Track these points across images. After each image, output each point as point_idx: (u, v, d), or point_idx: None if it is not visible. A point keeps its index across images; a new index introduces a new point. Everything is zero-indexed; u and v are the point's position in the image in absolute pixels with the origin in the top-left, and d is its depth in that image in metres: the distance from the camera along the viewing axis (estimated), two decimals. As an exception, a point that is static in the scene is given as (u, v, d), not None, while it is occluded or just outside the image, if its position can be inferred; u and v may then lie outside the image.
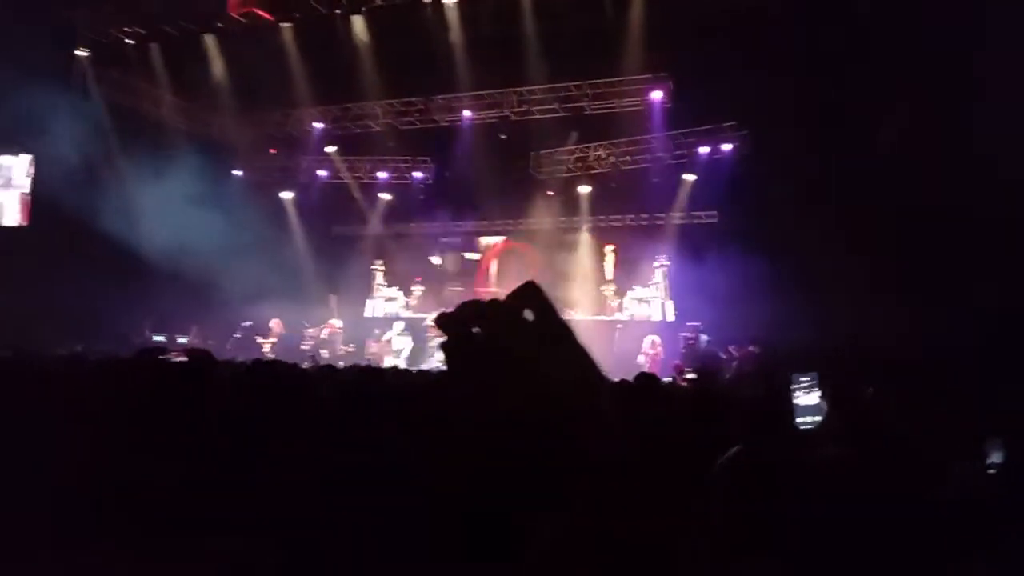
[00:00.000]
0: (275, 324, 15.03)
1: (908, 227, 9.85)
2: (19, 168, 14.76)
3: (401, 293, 17.20)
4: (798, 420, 3.51)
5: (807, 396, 3.64)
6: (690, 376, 10.01)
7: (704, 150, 14.22)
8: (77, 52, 14.44)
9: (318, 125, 16.29)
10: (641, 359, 13.12)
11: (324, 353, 14.75)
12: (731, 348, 12.11)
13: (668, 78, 13.55)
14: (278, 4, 13.58)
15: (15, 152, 14.65)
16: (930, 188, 9.27)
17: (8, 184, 14.83)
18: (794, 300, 10.54)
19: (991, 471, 2.97)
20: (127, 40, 14.48)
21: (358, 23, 13.64)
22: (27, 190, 14.44)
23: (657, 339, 13.69)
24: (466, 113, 15.14)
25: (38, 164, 14.30)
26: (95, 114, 14.17)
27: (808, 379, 3.63)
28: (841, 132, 10.43)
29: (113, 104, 14.56)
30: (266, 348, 14.36)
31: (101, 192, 12.92)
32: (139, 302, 13.41)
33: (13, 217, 14.72)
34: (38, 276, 12.37)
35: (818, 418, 3.51)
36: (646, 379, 3.78)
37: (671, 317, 14.79)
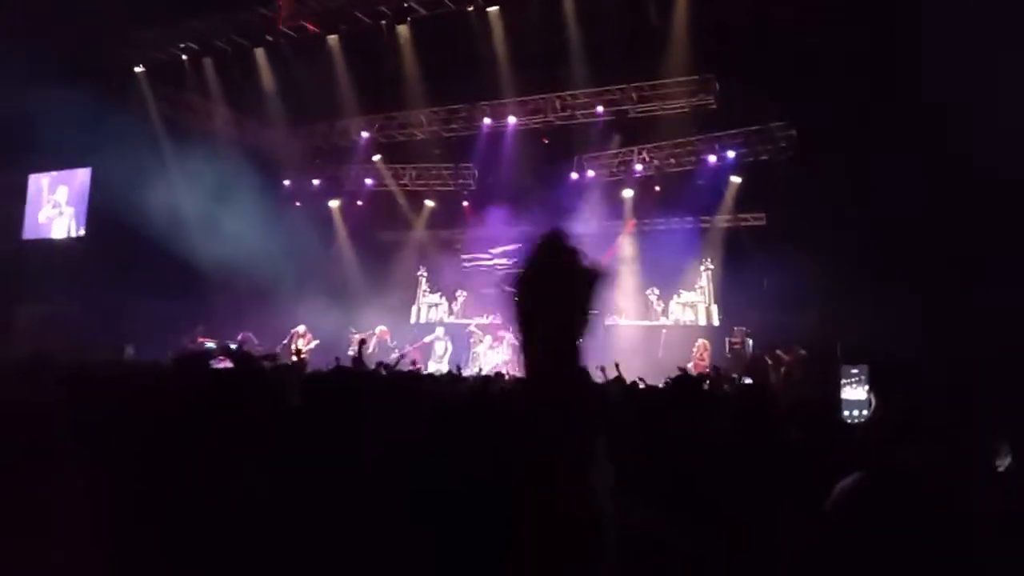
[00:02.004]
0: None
1: (958, 227, 9.54)
2: (79, 182, 15.37)
3: (444, 299, 17.36)
4: (844, 413, 3.44)
5: (854, 390, 3.57)
6: (733, 379, 9.87)
7: (751, 151, 14.02)
8: (136, 69, 14.95)
9: (364, 134, 16.55)
10: (689, 365, 12.97)
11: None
12: (778, 352, 11.88)
13: (713, 79, 13.40)
14: (325, 17, 13.85)
15: (75, 166, 15.26)
16: (982, 190, 8.97)
17: (68, 197, 15.47)
18: (843, 303, 10.30)
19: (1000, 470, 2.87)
20: (182, 56, 14.93)
21: (403, 32, 13.82)
22: (86, 203, 15.04)
23: (707, 343, 13.54)
24: (510, 119, 15.21)
25: (96, 177, 14.86)
26: (151, 128, 14.66)
27: (857, 372, 3.55)
28: (890, 131, 10.15)
29: (168, 118, 15.03)
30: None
31: (156, 203, 13.33)
32: (192, 309, 13.79)
33: (73, 229, 15.33)
34: (95, 285, 12.83)
35: (865, 412, 3.43)
36: (687, 381, 3.74)
37: (716, 322, 14.60)
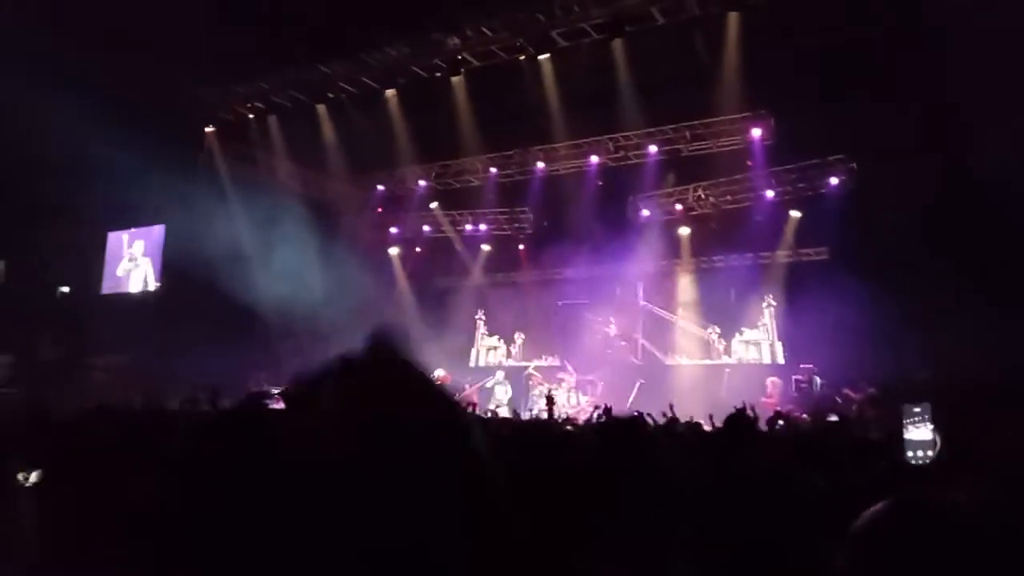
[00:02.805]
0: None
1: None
2: (155, 237, 16.17)
3: (503, 342, 17.40)
4: (908, 454, 3.28)
5: (918, 430, 3.41)
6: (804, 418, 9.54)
7: (810, 185, 13.78)
8: (206, 128, 15.74)
9: (422, 183, 16.94)
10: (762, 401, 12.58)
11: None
12: (846, 390, 11.46)
13: (767, 115, 13.30)
14: (383, 71, 14.34)
15: (151, 223, 16.07)
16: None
17: (145, 251, 16.26)
18: (912, 337, 9.91)
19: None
20: (248, 115, 15.66)
21: (457, 83, 14.20)
22: (160, 257, 15.78)
23: (778, 380, 13.15)
24: (563, 163, 15.36)
25: (170, 232, 15.59)
26: (220, 184, 15.33)
27: (919, 410, 3.40)
28: (951, 160, 9.87)
29: (236, 174, 15.71)
30: None
31: (224, 256, 13.86)
32: (257, 358, 14.19)
33: (150, 282, 16.07)
34: (167, 337, 13.34)
35: (930, 452, 3.27)
36: (740, 419, 3.65)
37: (781, 359, 14.21)
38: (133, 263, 16.32)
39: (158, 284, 15.94)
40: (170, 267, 15.38)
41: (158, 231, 16.16)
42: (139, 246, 16.40)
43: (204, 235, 13.76)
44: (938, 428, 3.34)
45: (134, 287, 16.26)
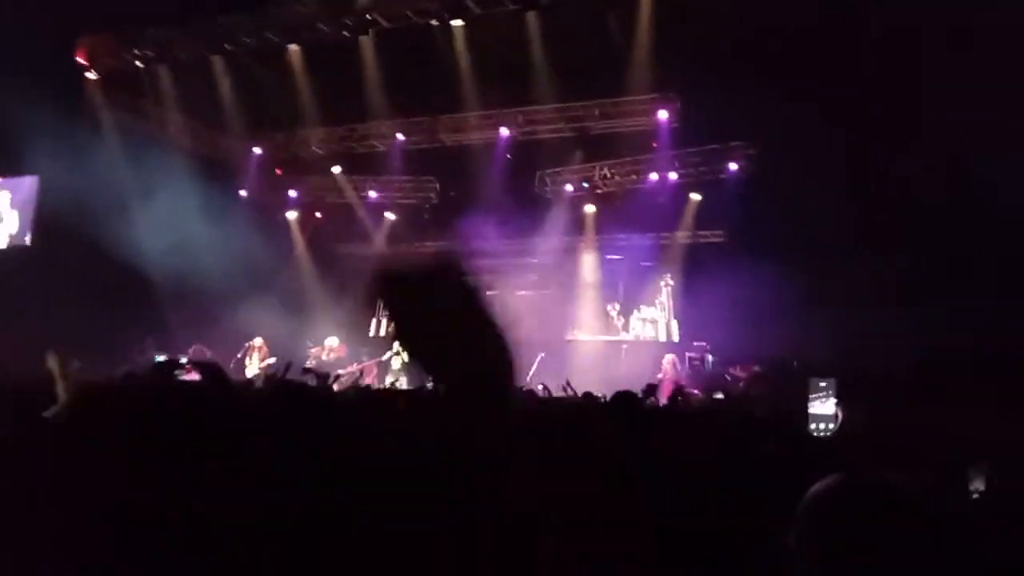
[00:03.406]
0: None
1: (914, 235, 9.80)
2: (24, 189, 14.85)
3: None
4: (812, 427, 3.43)
5: (823, 404, 3.56)
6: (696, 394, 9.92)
7: (709, 169, 14.24)
8: (88, 75, 14.55)
9: (323, 146, 16.34)
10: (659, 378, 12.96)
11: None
12: (734, 368, 12.00)
13: (675, 98, 13.58)
14: (286, 27, 13.65)
15: (21, 173, 14.75)
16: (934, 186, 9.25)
17: (11, 204, 14.93)
18: (801, 318, 10.46)
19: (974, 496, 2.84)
20: (137, 63, 14.57)
21: (365, 44, 13.72)
22: (31, 211, 14.53)
23: (674, 358, 13.55)
24: (472, 133, 15.18)
25: (44, 185, 14.37)
26: (104, 136, 14.25)
27: (825, 385, 3.55)
28: (848, 152, 10.41)
29: (121, 125, 14.63)
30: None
31: (106, 212, 12.93)
32: (142, 321, 13.37)
33: (17, 237, 14.79)
34: (41, 297, 12.35)
35: (831, 426, 3.43)
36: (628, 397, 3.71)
37: (676, 337, 14.70)
38: (-2, 217, 14.96)
39: (28, 238, 14.69)
40: (44, 221, 14.18)
41: (29, 182, 14.84)
42: (4, 197, 15.03)
43: (84, 189, 12.75)
44: (841, 403, 3.51)
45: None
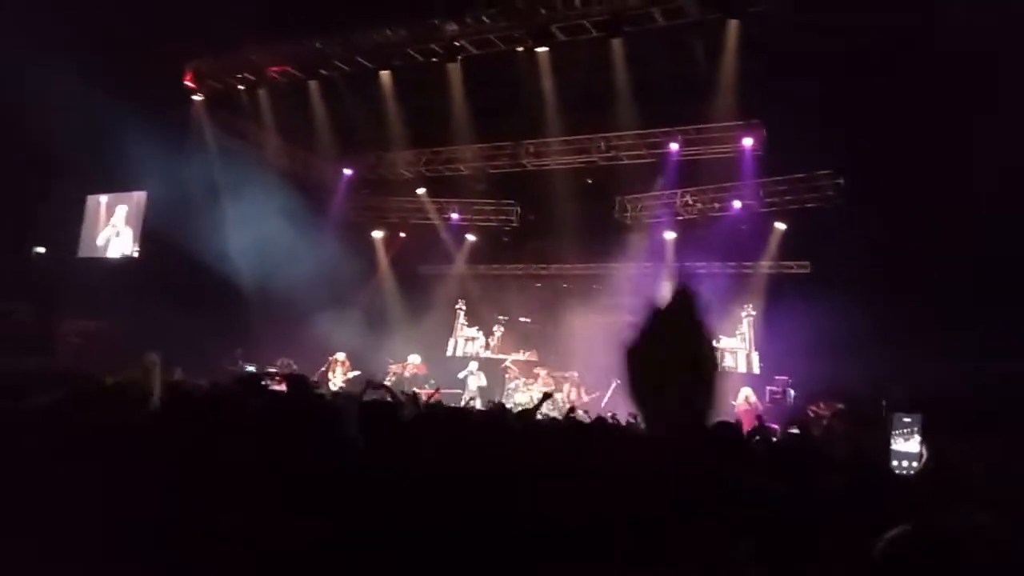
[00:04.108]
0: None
1: (1010, 276, 9.25)
2: (135, 203, 15.91)
3: (481, 333, 17.36)
4: (894, 463, 3.30)
5: (907, 441, 3.43)
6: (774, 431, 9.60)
7: (797, 198, 13.86)
8: (194, 97, 15.50)
9: (410, 168, 16.81)
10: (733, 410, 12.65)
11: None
12: (817, 405, 11.55)
13: (760, 125, 13.33)
14: (379, 53, 14.17)
15: (131, 189, 15.80)
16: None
17: (125, 218, 16.00)
18: (888, 354, 10.00)
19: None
20: (239, 86, 15.43)
21: (453, 71, 14.07)
22: (140, 224, 15.53)
23: (751, 391, 13.20)
24: (553, 158, 15.30)
25: (152, 201, 15.34)
26: (206, 155, 15.11)
27: (910, 421, 3.42)
28: (940, 181, 9.94)
29: (223, 145, 15.48)
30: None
31: (205, 227, 13.67)
32: (233, 333, 14.03)
33: (127, 249, 15.83)
34: (144, 306, 13.14)
35: (915, 464, 3.29)
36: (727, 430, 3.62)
37: (756, 369, 14.31)
38: (114, 230, 16.05)
39: (136, 250, 15.70)
40: (150, 235, 15.14)
41: (140, 197, 15.89)
42: (121, 211, 16.12)
43: (187, 205, 13.57)
44: (926, 441, 3.37)
45: (113, 253, 16.00)
